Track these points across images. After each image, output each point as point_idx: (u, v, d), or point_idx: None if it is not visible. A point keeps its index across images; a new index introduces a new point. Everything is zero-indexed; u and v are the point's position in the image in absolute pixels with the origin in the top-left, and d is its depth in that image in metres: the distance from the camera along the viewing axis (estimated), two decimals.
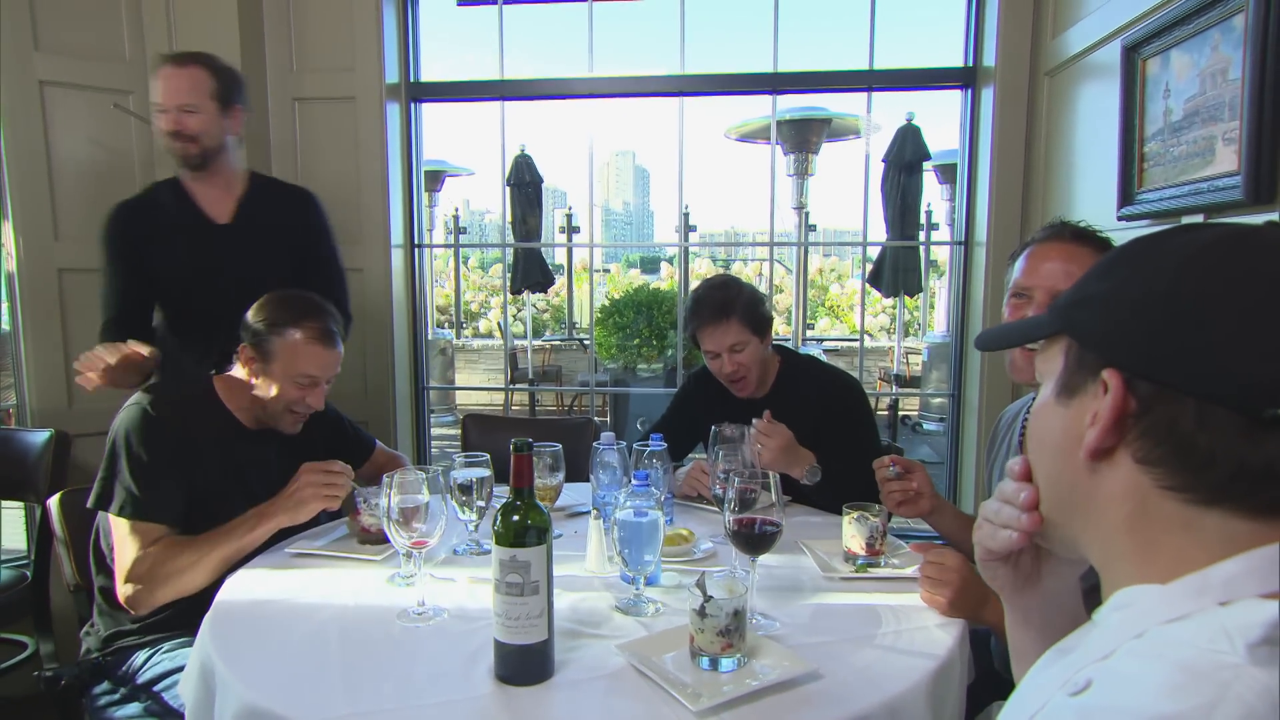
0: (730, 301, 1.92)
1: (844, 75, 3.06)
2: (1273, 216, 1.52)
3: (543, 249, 8.62)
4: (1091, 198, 2.33)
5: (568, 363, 9.09)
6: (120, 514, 1.50)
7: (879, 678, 1.09)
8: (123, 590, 1.49)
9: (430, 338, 6.20)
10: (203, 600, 1.46)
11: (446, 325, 11.02)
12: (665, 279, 12.90)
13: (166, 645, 1.57)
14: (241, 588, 1.42)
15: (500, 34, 3.17)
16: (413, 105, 3.07)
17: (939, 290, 9.73)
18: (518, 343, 9.21)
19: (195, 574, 1.48)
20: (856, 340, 10.26)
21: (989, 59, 2.79)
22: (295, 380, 1.60)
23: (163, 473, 1.52)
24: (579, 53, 3.14)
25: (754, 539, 1.27)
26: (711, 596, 1.08)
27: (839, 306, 12.10)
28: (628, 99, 3.13)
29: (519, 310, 11.28)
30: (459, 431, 2.69)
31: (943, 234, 9.16)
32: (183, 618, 1.55)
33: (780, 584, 1.43)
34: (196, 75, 2.03)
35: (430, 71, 3.12)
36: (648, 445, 1.78)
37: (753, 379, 2.00)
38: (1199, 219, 1.74)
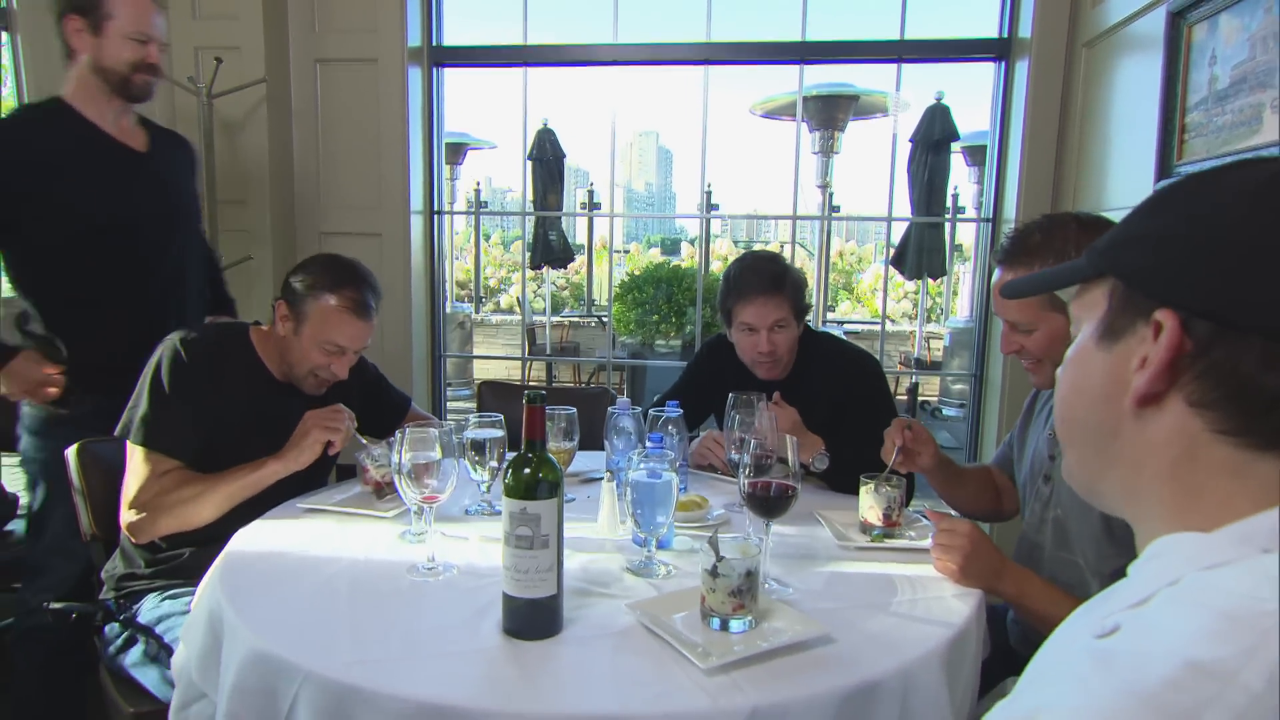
0: (781, 275, 1.85)
1: (873, 45, 2.99)
2: None
3: (563, 222, 8.58)
4: (1126, 174, 2.26)
5: (586, 339, 9.06)
6: (135, 441, 1.51)
7: (893, 644, 1.06)
8: (125, 516, 1.51)
9: (449, 311, 6.20)
10: (214, 549, 1.46)
11: (466, 299, 11.03)
12: (685, 259, 12.82)
13: (175, 592, 1.58)
14: (253, 539, 1.42)
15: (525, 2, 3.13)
16: (435, 69, 3.04)
17: (962, 275, 9.58)
18: (536, 318, 9.20)
19: (199, 507, 1.49)
20: (877, 324, 10.18)
21: (1025, 30, 2.71)
22: (323, 345, 1.59)
23: (181, 408, 1.53)
24: (603, 22, 3.09)
25: (769, 502, 1.24)
26: (724, 556, 1.06)
27: (861, 293, 11.96)
28: (652, 66, 3.08)
29: (539, 286, 11.26)
30: (475, 404, 2.68)
31: (969, 217, 9.04)
32: (194, 564, 1.55)
33: (795, 552, 1.41)
34: (159, 9, 1.92)
35: (452, 38, 3.08)
36: (664, 410, 1.76)
37: (783, 363, 1.93)
38: None
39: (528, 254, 6.49)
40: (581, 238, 10.93)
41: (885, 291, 4.82)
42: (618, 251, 11.22)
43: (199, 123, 2.69)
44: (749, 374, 1.98)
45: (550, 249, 6.91)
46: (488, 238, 14.09)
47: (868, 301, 11.96)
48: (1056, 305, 1.33)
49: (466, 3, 3.16)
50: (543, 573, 1.05)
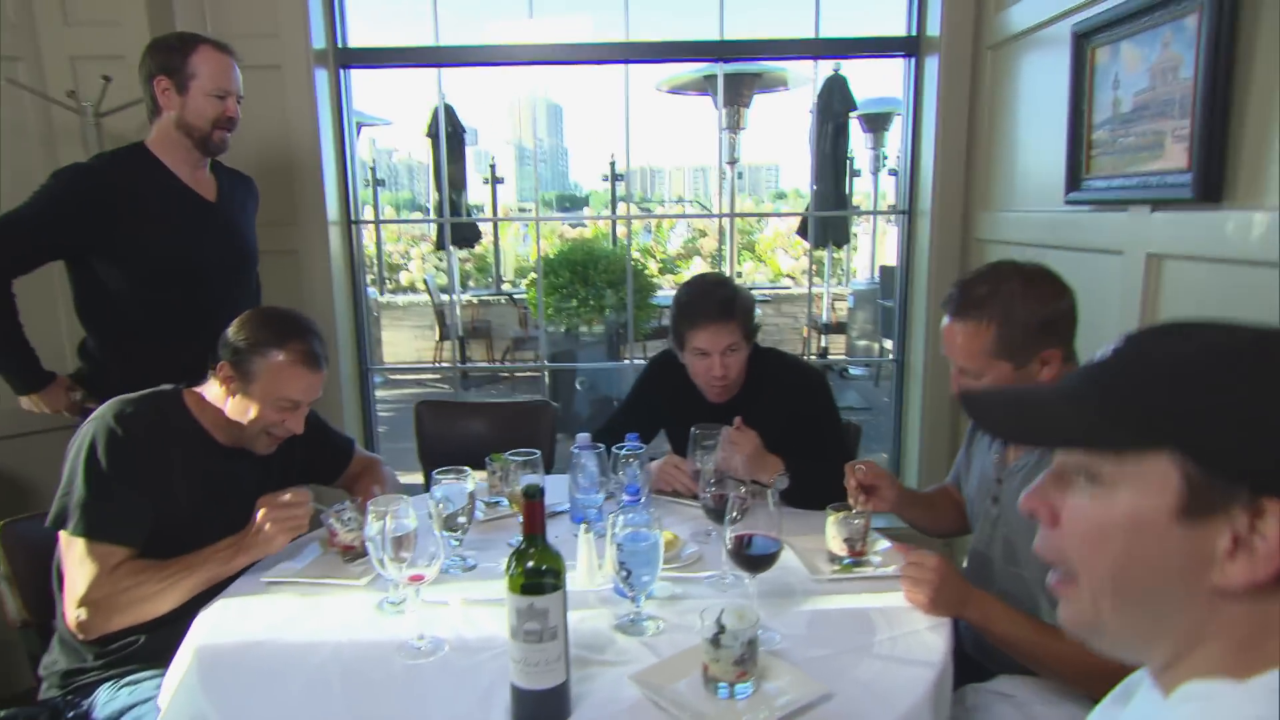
0: (731, 300, 1.88)
1: (790, 44, 3.03)
2: (1220, 214, 1.60)
3: (467, 197, 8.35)
4: (1036, 176, 2.40)
5: (496, 317, 8.93)
6: (75, 533, 1.41)
7: (886, 693, 1.14)
8: (73, 614, 1.41)
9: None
10: (170, 633, 1.40)
11: (370, 283, 10.62)
12: (589, 226, 12.73)
13: (129, 679, 1.50)
14: (222, 625, 1.37)
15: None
16: (342, 72, 2.88)
17: (859, 236, 9.94)
18: (444, 297, 8.98)
19: (158, 603, 1.42)
20: (783, 287, 10.44)
21: (933, 28, 2.80)
22: (276, 403, 1.53)
23: (126, 491, 1.44)
24: (513, 10, 3.00)
25: (754, 560, 1.29)
26: (724, 627, 1.10)
27: (763, 251, 12.18)
28: (570, 65, 3.02)
29: (440, 262, 10.96)
30: (414, 425, 2.62)
31: (865, 181, 9.34)
32: (148, 650, 1.49)
33: (770, 588, 1.46)
34: (237, 63, 2.09)
35: (354, 36, 2.92)
36: (624, 447, 1.78)
37: (733, 386, 1.97)
38: (1146, 210, 1.81)
39: (433, 236, 6.30)
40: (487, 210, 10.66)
41: (811, 276, 4.95)
42: (517, 220, 10.99)
43: (84, 142, 2.47)
44: (699, 392, 2.02)
45: (456, 227, 6.74)
46: (382, 212, 13.50)
47: (770, 261, 12.25)
48: (1001, 354, 1.42)
49: (365, 2, 2.99)
50: (552, 663, 1.07)
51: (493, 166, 8.76)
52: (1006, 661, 1.50)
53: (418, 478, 2.54)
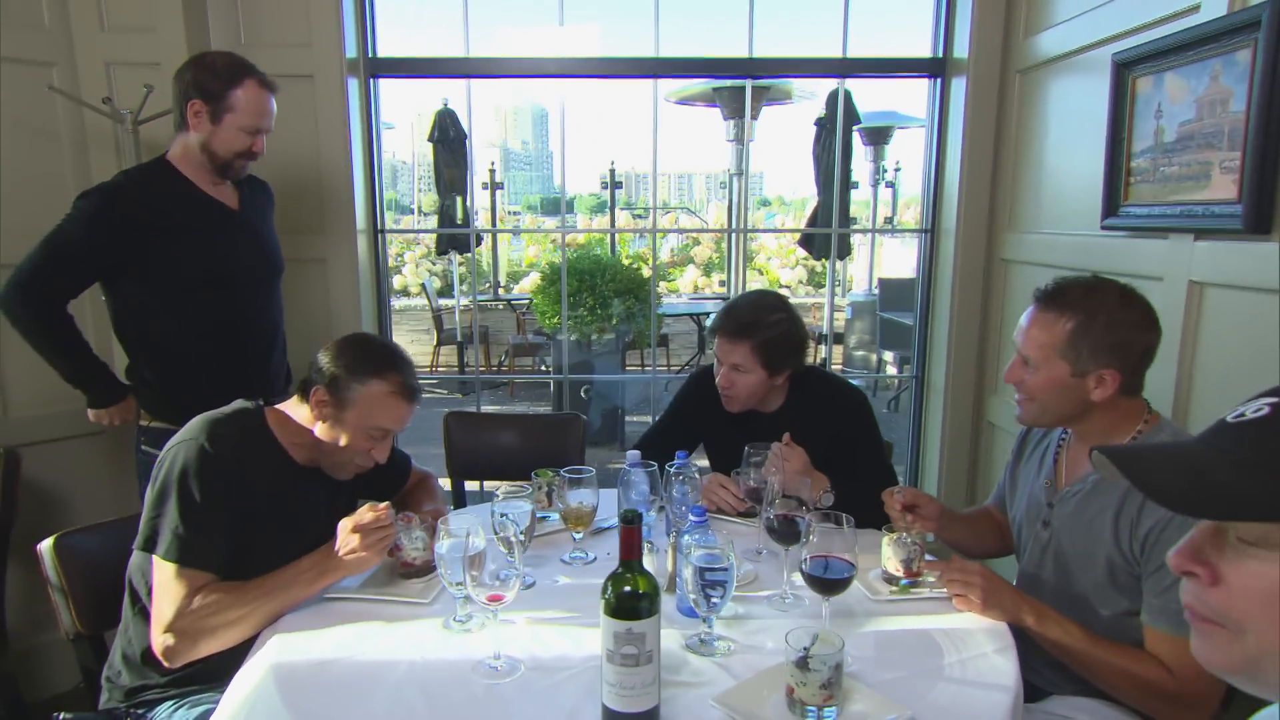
0: (751, 325, 1.92)
1: (817, 62, 3.06)
2: (1268, 246, 1.64)
3: (467, 202, 8.34)
4: (1066, 203, 2.44)
5: (494, 323, 8.92)
6: (167, 558, 1.39)
7: (968, 718, 1.15)
8: (160, 640, 1.39)
9: None
10: (233, 651, 1.40)
11: None
12: (583, 237, 12.73)
13: (192, 698, 1.50)
14: (291, 647, 1.36)
15: (465, 8, 2.99)
16: (372, 81, 2.88)
17: (857, 248, 10.02)
18: (443, 302, 8.96)
19: (243, 628, 1.40)
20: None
21: (960, 50, 2.84)
22: (368, 431, 1.52)
23: (216, 516, 1.42)
24: (542, 21, 3.01)
25: (831, 584, 1.31)
26: (811, 650, 1.12)
27: (761, 263, 12.24)
28: (600, 79, 3.03)
29: (433, 265, 10.93)
30: (443, 435, 2.62)
31: (863, 193, 9.43)
32: (210, 669, 1.48)
33: (833, 609, 1.47)
34: (273, 97, 2.10)
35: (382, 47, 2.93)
36: (674, 463, 1.80)
37: (740, 401, 2.00)
38: (1189, 239, 1.85)
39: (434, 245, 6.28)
40: (483, 221, 10.66)
41: (831, 296, 4.98)
42: (510, 231, 11.02)
43: (118, 148, 2.46)
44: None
45: (456, 235, 6.71)
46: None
47: (767, 270, 12.31)
48: (1066, 354, 1.45)
49: (394, 13, 2.99)
50: (647, 686, 1.08)
51: (492, 171, 8.77)
52: (1059, 682, 1.53)
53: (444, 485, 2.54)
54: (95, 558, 1.64)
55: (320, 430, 1.53)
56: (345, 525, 1.44)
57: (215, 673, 1.46)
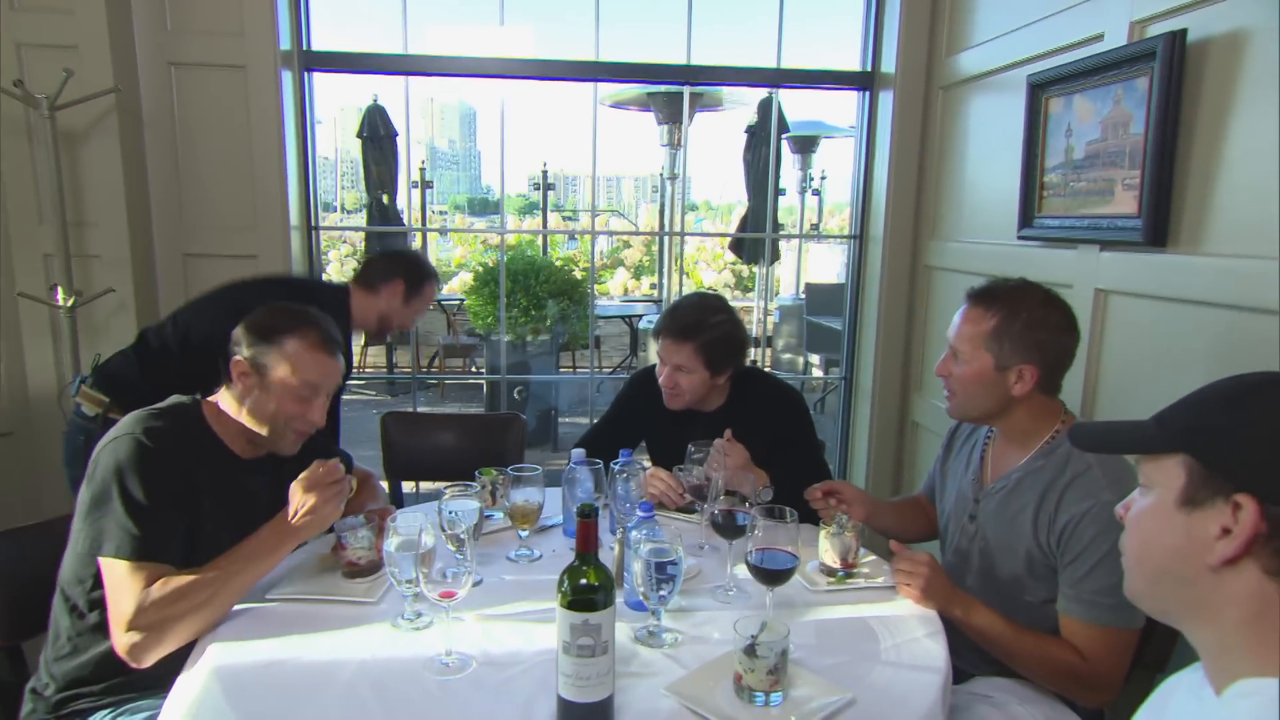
0: (694, 327, 1.97)
1: (753, 71, 3.15)
2: (1165, 257, 1.78)
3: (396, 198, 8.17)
4: (987, 210, 2.58)
5: (423, 323, 8.78)
6: (118, 555, 1.33)
7: (903, 697, 1.23)
8: (124, 640, 1.33)
9: None
10: (171, 656, 1.36)
11: None
12: (516, 231, 12.64)
13: (130, 705, 1.45)
14: (235, 651, 1.33)
15: (404, 4, 2.96)
16: (305, 75, 2.82)
17: (784, 253, 10.26)
18: None
19: (207, 611, 1.35)
20: None
21: (887, 65, 2.97)
22: (296, 392, 1.50)
23: (161, 506, 1.38)
24: (478, 21, 3.01)
25: (775, 574, 1.37)
26: (758, 638, 1.17)
27: (686, 265, 12.41)
28: (540, 81, 3.04)
29: (358, 264, 10.63)
30: (379, 438, 2.59)
31: (790, 199, 9.66)
32: (146, 676, 1.43)
33: (775, 599, 1.53)
34: None
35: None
36: (617, 462, 1.83)
37: (684, 399, 2.06)
38: (1095, 250, 2.00)
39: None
40: (411, 220, 10.44)
41: (767, 293, 5.09)
42: (444, 230, 10.86)
43: (29, 135, 2.34)
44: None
45: (387, 235, 6.59)
46: None
47: (693, 274, 12.48)
48: (989, 347, 1.54)
49: (327, 6, 2.93)
50: (602, 676, 1.11)
51: (423, 170, 8.63)
52: (980, 664, 1.63)
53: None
54: (10, 565, 1.57)
55: (250, 407, 1.51)
56: (296, 487, 1.43)
57: (152, 680, 1.42)
